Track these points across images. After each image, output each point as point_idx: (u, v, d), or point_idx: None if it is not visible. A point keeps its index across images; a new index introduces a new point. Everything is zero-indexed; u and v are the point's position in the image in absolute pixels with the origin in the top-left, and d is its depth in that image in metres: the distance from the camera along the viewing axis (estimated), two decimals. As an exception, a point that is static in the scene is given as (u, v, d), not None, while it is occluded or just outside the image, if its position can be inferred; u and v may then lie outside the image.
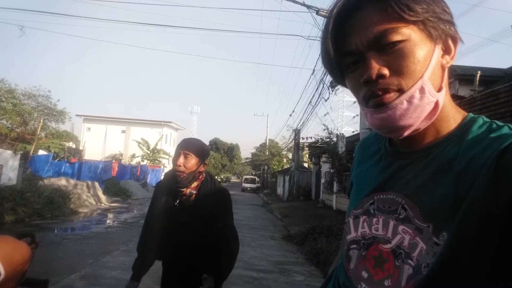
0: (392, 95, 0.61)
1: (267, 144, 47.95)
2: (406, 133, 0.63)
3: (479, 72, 8.44)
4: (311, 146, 20.39)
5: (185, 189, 1.98)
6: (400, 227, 0.63)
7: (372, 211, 0.70)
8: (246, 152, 71.41)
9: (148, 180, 25.33)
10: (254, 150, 55.79)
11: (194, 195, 2.01)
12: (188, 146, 1.99)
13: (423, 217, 0.60)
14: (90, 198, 14.88)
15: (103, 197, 15.94)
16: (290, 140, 27.54)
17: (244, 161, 67.34)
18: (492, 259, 0.52)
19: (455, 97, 6.64)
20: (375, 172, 0.74)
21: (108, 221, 11.18)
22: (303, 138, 21.79)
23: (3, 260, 0.64)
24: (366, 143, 0.84)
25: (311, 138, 18.64)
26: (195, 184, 2.02)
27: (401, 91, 0.60)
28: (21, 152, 14.86)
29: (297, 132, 22.33)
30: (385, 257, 0.65)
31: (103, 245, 7.07)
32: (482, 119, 0.65)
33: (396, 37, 0.59)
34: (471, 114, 0.66)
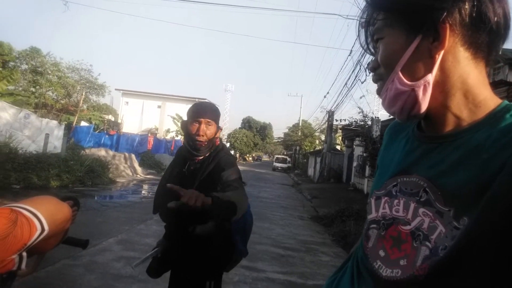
0: (379, 83, 0.72)
1: (300, 124, 47.55)
2: (401, 118, 0.70)
3: (533, 56, 7.83)
4: (345, 128, 19.98)
5: (201, 157, 1.87)
6: (421, 210, 0.64)
7: (394, 193, 0.71)
8: (278, 131, 71.30)
9: (181, 154, 26.00)
10: (286, 130, 55.53)
11: (200, 159, 1.87)
12: (209, 113, 1.85)
13: (445, 201, 0.60)
14: (127, 169, 15.60)
15: (139, 169, 16.66)
16: (323, 121, 27.15)
17: (276, 140, 67.31)
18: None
19: (503, 83, 6.22)
20: (401, 155, 0.75)
21: (143, 192, 11.73)
22: (336, 120, 21.30)
23: (47, 218, 0.71)
24: (395, 128, 0.85)
25: (345, 120, 18.22)
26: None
27: (384, 80, 0.70)
28: (65, 122, 15.73)
29: (330, 113, 21.94)
30: (403, 238, 0.66)
31: (138, 213, 7.45)
32: None
33: (378, 35, 0.70)
34: (505, 102, 0.65)
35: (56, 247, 1.11)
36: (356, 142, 16.81)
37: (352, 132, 17.71)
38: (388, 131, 0.88)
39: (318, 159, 24.46)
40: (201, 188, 1.60)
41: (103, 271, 3.99)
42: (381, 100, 0.72)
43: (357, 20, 0.76)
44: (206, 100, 42.20)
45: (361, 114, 15.63)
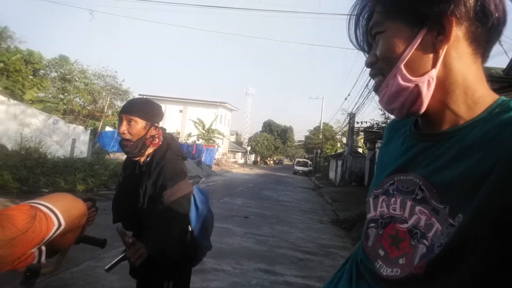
0: (377, 78, 0.70)
1: (321, 127, 47.11)
2: (399, 115, 0.69)
3: None
4: (366, 131, 19.68)
5: (139, 157, 1.75)
6: (417, 208, 0.64)
7: (391, 192, 0.71)
8: (299, 135, 70.96)
9: (202, 158, 26.36)
10: (307, 133, 55.10)
11: (147, 161, 1.77)
12: (130, 108, 1.69)
13: (440, 199, 0.60)
14: (150, 173, 15.89)
15: (161, 173, 16.93)
16: (345, 124, 26.83)
17: (297, 144, 66.94)
18: (506, 245, 0.51)
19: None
20: (398, 153, 0.75)
21: (165, 195, 11.90)
22: (358, 123, 21.11)
23: (64, 213, 0.76)
24: (394, 126, 0.84)
25: (366, 122, 18.02)
26: (150, 151, 1.76)
27: (384, 76, 0.68)
28: (91, 128, 16.27)
29: (352, 116, 21.66)
30: (401, 236, 0.66)
31: (159, 216, 7.57)
32: None
33: (377, 29, 0.68)
34: (502, 98, 0.64)
35: (78, 245, 1.16)
36: (378, 144, 16.52)
37: (374, 134, 17.42)
38: (387, 129, 0.88)
39: (340, 162, 24.16)
40: (148, 200, 1.69)
41: (125, 273, 4.07)
42: (379, 97, 0.70)
43: (348, 14, 0.74)
44: (226, 104, 42.59)
45: (383, 116, 15.36)
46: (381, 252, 0.69)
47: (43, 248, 0.78)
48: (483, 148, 0.57)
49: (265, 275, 4.50)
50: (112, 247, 4.84)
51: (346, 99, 30.09)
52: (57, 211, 0.74)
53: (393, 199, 0.70)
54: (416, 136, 0.72)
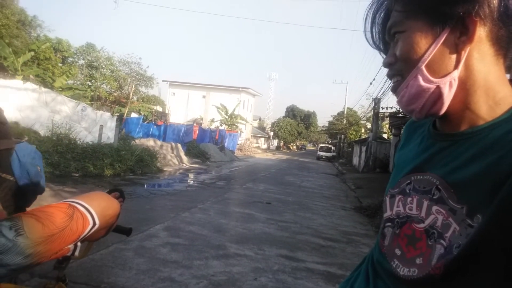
0: (395, 79, 0.69)
1: (345, 112, 46.33)
2: (419, 116, 0.68)
3: None
4: (392, 116, 19.20)
5: None
6: (434, 208, 0.64)
7: (408, 191, 0.71)
8: (323, 120, 70.22)
9: (225, 144, 26.62)
10: (331, 118, 54.21)
11: None
12: None
13: (458, 198, 0.60)
14: (174, 159, 16.26)
15: (185, 158, 17.29)
16: (369, 109, 26.27)
17: (320, 129, 66.22)
18: None
19: None
20: (415, 153, 0.74)
21: (188, 181, 12.20)
22: (383, 108, 20.61)
23: (99, 213, 0.80)
24: (412, 126, 0.84)
25: (391, 108, 17.56)
26: None
27: (403, 76, 0.67)
28: (117, 114, 16.69)
29: (377, 101, 21.15)
30: (418, 236, 0.66)
31: (183, 202, 7.78)
32: None
33: (397, 28, 0.66)
34: None
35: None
36: (404, 130, 16.11)
37: (400, 120, 16.98)
38: (405, 129, 0.87)
39: (364, 148, 23.80)
40: None
41: (151, 255, 4.26)
42: (397, 97, 0.69)
43: (367, 12, 0.73)
44: (249, 89, 42.53)
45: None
46: (398, 252, 0.69)
47: (79, 244, 0.82)
48: (504, 148, 0.56)
49: (286, 261, 4.56)
50: (139, 231, 5.05)
51: (371, 83, 29.48)
52: (92, 211, 0.77)
53: (409, 199, 0.70)
54: (434, 136, 0.72)
